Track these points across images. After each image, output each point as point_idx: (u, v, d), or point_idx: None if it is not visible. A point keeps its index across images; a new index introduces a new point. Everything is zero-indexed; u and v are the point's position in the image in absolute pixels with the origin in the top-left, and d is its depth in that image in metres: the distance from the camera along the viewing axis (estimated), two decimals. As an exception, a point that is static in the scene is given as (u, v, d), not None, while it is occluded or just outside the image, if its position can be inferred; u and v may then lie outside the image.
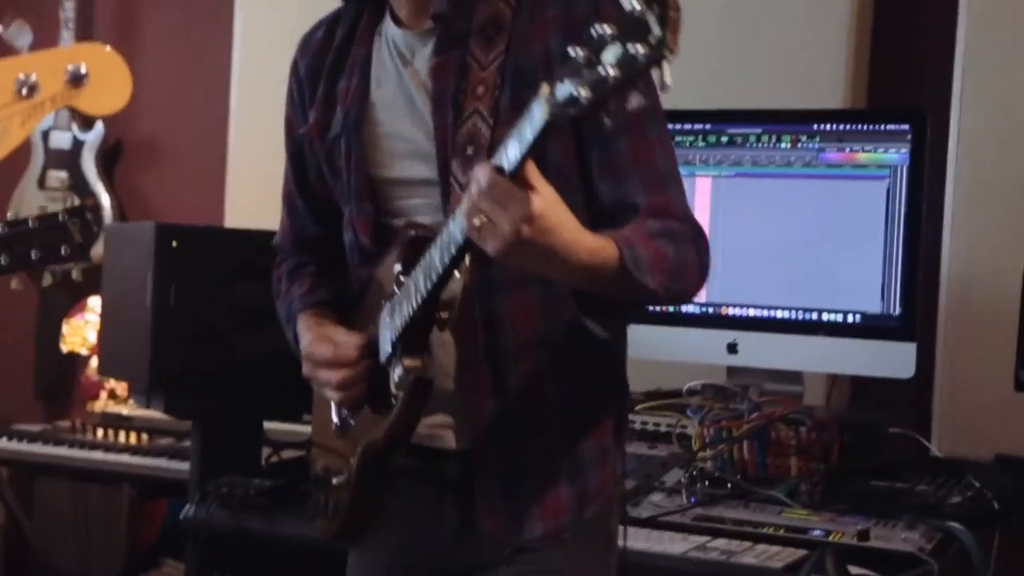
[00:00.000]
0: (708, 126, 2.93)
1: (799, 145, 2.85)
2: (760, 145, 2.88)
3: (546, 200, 1.64)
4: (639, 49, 1.43)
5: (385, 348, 1.94)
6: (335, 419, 2.08)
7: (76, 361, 4.46)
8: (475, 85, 1.89)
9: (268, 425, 3.12)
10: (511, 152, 1.60)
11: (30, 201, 4.58)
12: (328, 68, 2.08)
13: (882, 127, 2.77)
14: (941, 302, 3.07)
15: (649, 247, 1.79)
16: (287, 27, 4.04)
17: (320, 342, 2.02)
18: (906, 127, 2.75)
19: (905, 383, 2.79)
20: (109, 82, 2.09)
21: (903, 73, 3.38)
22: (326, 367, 1.99)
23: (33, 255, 2.19)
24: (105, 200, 4.51)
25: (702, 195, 2.92)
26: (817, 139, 2.83)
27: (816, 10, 3.28)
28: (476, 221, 1.63)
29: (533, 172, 1.63)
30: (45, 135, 4.57)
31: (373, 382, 1.97)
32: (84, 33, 4.58)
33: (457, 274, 1.81)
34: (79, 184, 4.53)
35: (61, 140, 4.55)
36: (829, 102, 3.17)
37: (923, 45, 3.37)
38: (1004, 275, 2.89)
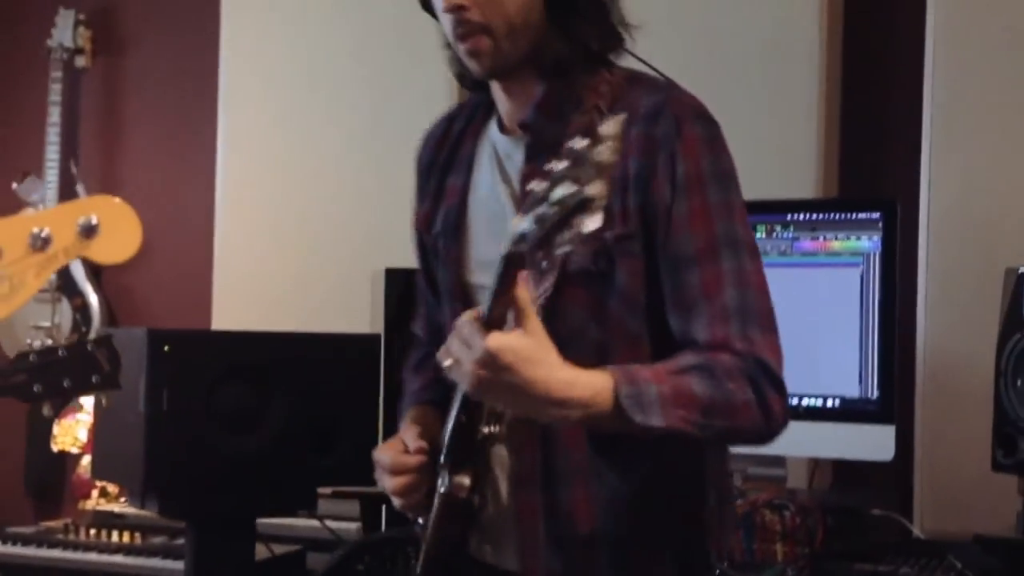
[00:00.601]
0: (685, 218, 2.99)
1: (774, 235, 2.92)
2: (735, 235, 2.94)
3: (510, 339, 1.63)
4: (574, 189, 1.46)
5: (440, 459, 1.92)
6: (420, 523, 2.04)
7: (67, 460, 4.49)
8: None
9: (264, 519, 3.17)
10: (487, 302, 1.65)
11: (19, 302, 4.63)
12: (441, 163, 2.08)
13: (854, 216, 2.84)
14: (917, 384, 3.13)
15: (668, 382, 1.73)
16: (271, 126, 4.19)
17: (388, 447, 2.00)
18: (877, 215, 2.82)
19: (886, 464, 2.84)
20: (119, 232, 2.15)
21: (872, 161, 3.46)
22: (386, 473, 1.97)
23: (66, 384, 2.23)
24: (93, 300, 4.56)
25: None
26: (791, 228, 2.90)
27: (785, 102, 3.36)
28: (447, 362, 1.68)
29: (520, 304, 1.64)
30: (33, 237, 4.61)
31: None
32: (69, 134, 4.65)
33: None
34: (68, 285, 4.57)
35: (49, 241, 4.60)
36: (801, 192, 3.25)
37: (891, 132, 3.46)
38: (977, 356, 2.95)
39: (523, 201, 1.56)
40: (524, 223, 1.53)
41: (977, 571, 2.54)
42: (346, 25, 4.09)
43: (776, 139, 3.34)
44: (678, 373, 1.75)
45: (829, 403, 2.85)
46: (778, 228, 2.92)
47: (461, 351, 1.66)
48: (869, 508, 2.80)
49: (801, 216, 2.90)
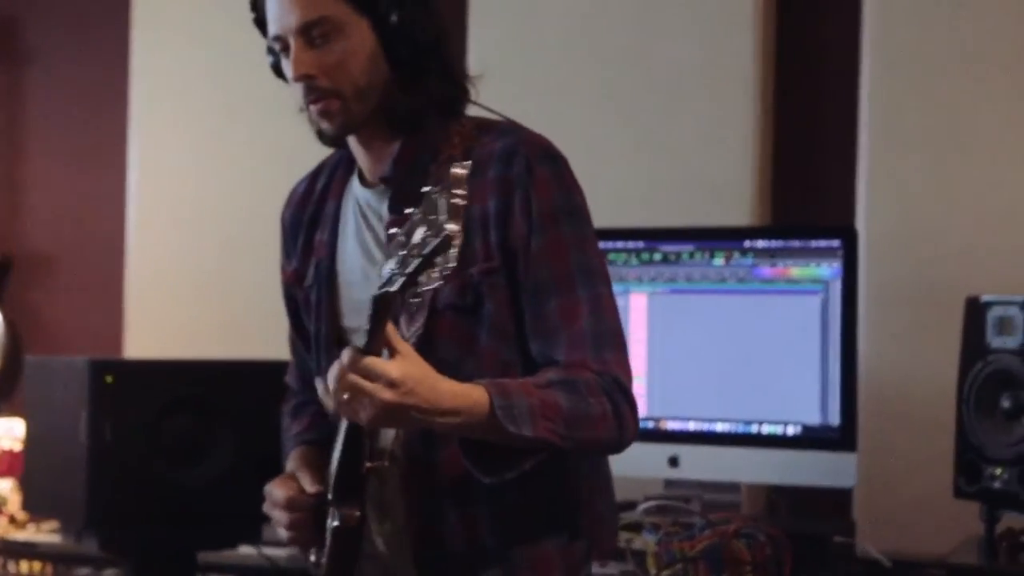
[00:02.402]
0: (642, 244, 2.98)
1: (732, 262, 2.91)
2: (693, 262, 2.94)
3: (403, 363, 1.77)
4: (430, 232, 1.60)
5: (328, 496, 2.03)
6: (313, 560, 2.13)
7: (-31, 485, 4.33)
8: None
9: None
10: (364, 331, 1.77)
11: (-86, 321, 4.45)
12: (307, 219, 2.19)
13: (813, 243, 2.85)
14: (859, 410, 3.13)
15: (534, 395, 1.87)
16: (185, 145, 4.08)
17: (280, 484, 2.13)
18: (837, 243, 2.83)
19: (842, 491, 2.85)
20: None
21: (808, 187, 3.47)
22: (278, 508, 2.09)
23: None
24: (-4, 318, 4.40)
25: (637, 311, 2.97)
26: (750, 255, 2.90)
27: (719, 129, 3.36)
28: (344, 396, 1.78)
29: (392, 338, 1.78)
30: (-72, 252, 4.44)
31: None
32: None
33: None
34: (-33, 303, 4.41)
35: (-54, 258, 4.43)
36: (735, 220, 3.25)
37: (826, 158, 3.47)
38: (921, 381, 3.00)
39: (388, 247, 1.72)
40: (389, 265, 1.68)
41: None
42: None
43: (710, 167, 3.34)
44: (545, 387, 1.89)
45: (790, 430, 2.85)
46: (736, 255, 2.91)
47: (358, 383, 1.76)
48: (829, 535, 2.81)
49: (760, 243, 2.90)
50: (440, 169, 1.97)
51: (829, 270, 2.83)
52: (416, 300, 1.85)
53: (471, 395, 1.83)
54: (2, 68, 4.51)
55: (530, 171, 1.97)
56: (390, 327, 1.78)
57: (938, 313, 3.07)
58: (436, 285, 1.65)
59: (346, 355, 1.77)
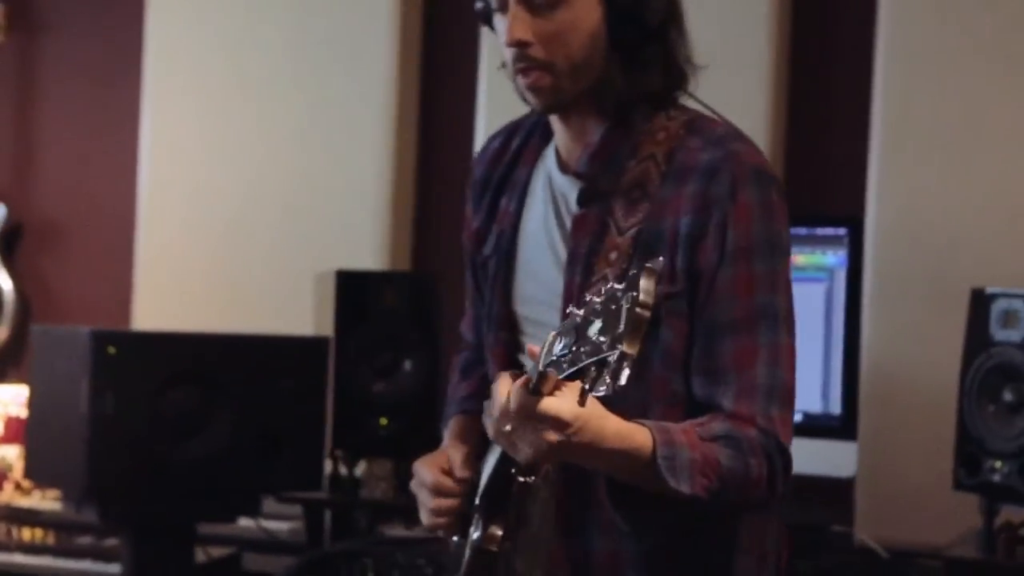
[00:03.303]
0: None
1: (737, 247, 2.90)
2: (699, 247, 2.92)
3: (571, 410, 1.63)
4: (604, 340, 1.47)
5: (475, 500, 1.91)
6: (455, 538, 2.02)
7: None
8: (609, 249, 1.84)
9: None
10: (534, 375, 1.63)
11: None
12: (496, 181, 2.03)
13: (819, 231, 2.84)
14: (860, 399, 3.13)
15: (699, 449, 1.73)
16: (198, 117, 4.08)
17: (431, 462, 1.98)
18: (843, 231, 2.82)
19: (841, 480, 2.85)
20: None
21: (818, 178, 3.46)
22: (425, 489, 1.95)
23: None
24: (6, 285, 4.41)
25: (642, 296, 2.95)
26: (755, 242, 2.88)
27: (730, 117, 3.32)
28: (506, 428, 1.67)
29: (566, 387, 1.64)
30: (-59, 219, 4.46)
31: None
32: (-21, 112, 4.49)
33: None
34: (-23, 269, 4.43)
35: (-42, 225, 4.45)
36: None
37: (837, 149, 3.46)
38: (923, 372, 2.98)
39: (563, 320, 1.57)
40: (559, 346, 1.56)
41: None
42: (279, 12, 3.99)
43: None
44: (710, 440, 1.75)
45: (791, 418, 2.84)
46: (742, 241, 2.90)
47: (525, 423, 1.65)
48: (828, 525, 2.80)
49: (766, 229, 2.88)
50: (638, 167, 1.84)
51: (834, 258, 2.82)
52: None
53: (635, 438, 1.69)
54: (17, 38, 4.51)
55: (733, 194, 1.79)
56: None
57: (943, 304, 3.05)
58: (602, 391, 1.48)
59: (516, 393, 1.63)
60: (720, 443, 1.75)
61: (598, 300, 1.50)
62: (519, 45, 1.83)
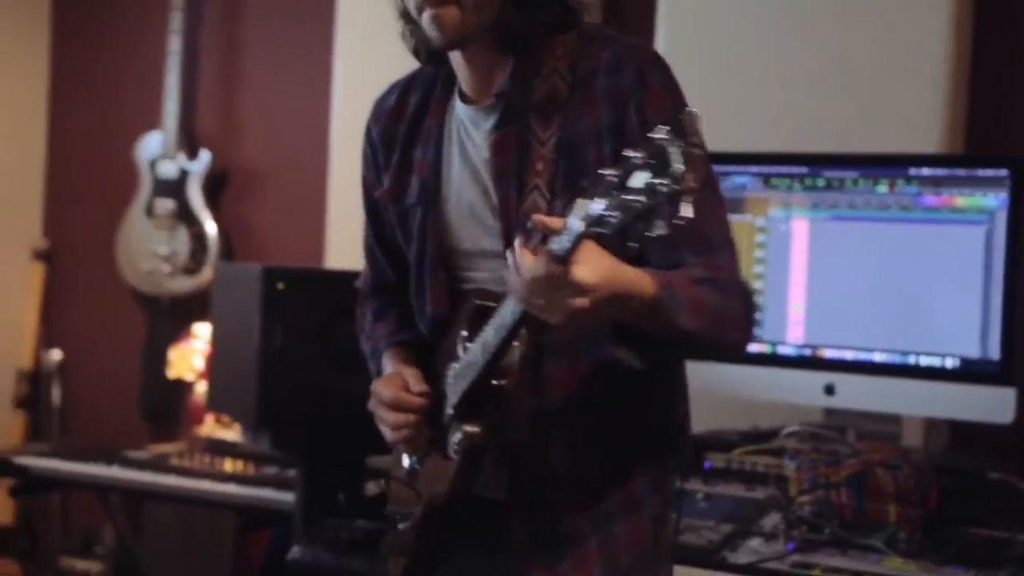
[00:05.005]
0: (805, 169, 2.94)
1: (896, 189, 2.85)
2: (857, 189, 2.89)
3: (593, 266, 1.73)
4: (662, 181, 1.54)
5: (448, 411, 2.04)
6: (405, 463, 2.19)
7: (182, 386, 4.58)
8: (535, 161, 1.98)
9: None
10: (562, 244, 1.69)
11: (139, 228, 4.71)
12: (402, 136, 2.16)
13: (980, 172, 2.77)
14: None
15: (690, 290, 1.86)
16: (387, 58, 4.15)
17: (387, 381, 2.14)
18: (1004, 172, 2.75)
19: (1005, 428, 2.78)
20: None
21: (1000, 117, 3.36)
22: (385, 407, 2.10)
23: None
24: (211, 230, 4.62)
25: (799, 238, 2.94)
26: (915, 183, 2.84)
27: (912, 54, 3.26)
28: (539, 301, 1.75)
29: (582, 251, 1.71)
30: (152, 164, 4.68)
31: (437, 436, 2.08)
32: (190, 65, 4.69)
33: (515, 343, 1.93)
34: (185, 213, 4.64)
35: (168, 169, 4.66)
36: (924, 147, 3.16)
37: (1019, 90, 3.35)
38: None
39: (593, 186, 1.62)
40: (598, 207, 1.61)
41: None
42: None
43: (901, 92, 3.25)
44: (696, 282, 1.88)
45: (948, 363, 2.80)
46: (900, 182, 2.85)
47: (554, 292, 1.73)
48: (986, 472, 2.75)
49: (925, 171, 2.83)
50: (546, 84, 1.98)
51: (995, 200, 2.75)
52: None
53: (642, 282, 1.81)
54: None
55: (642, 80, 1.94)
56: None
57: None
58: (659, 231, 1.56)
59: (542, 263, 1.72)
60: (704, 284, 1.88)
61: (637, 155, 1.57)
62: None
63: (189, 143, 4.69)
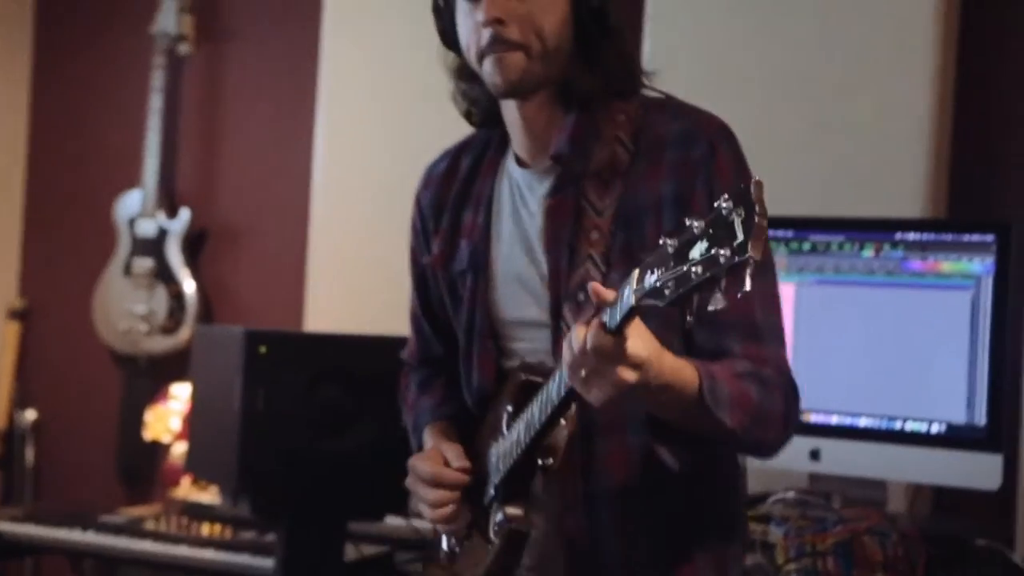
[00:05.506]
0: (791, 233, 2.94)
1: (882, 254, 2.85)
2: (843, 253, 2.89)
3: (643, 342, 1.66)
4: (723, 252, 1.46)
5: (489, 490, 1.97)
6: (444, 544, 2.12)
7: (158, 447, 4.52)
8: (589, 230, 1.90)
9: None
10: (614, 316, 1.63)
11: (117, 287, 4.67)
12: (453, 199, 2.10)
13: (966, 237, 2.77)
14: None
15: (733, 385, 1.80)
16: (371, 122, 4.17)
17: (427, 458, 2.05)
18: (991, 238, 2.75)
19: (990, 493, 2.77)
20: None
21: (983, 180, 3.37)
22: (424, 484, 2.02)
23: None
24: (189, 288, 4.58)
25: (785, 302, 2.90)
26: (901, 248, 2.83)
27: (896, 116, 3.27)
28: (583, 373, 1.67)
29: (632, 325, 1.65)
30: (131, 222, 4.65)
31: (478, 516, 2.01)
32: (170, 121, 4.67)
33: (563, 421, 1.85)
34: (164, 272, 4.61)
35: (147, 228, 4.63)
36: (909, 210, 3.17)
37: (1004, 151, 3.36)
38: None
39: (650, 256, 1.56)
40: (652, 278, 1.54)
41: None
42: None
43: (885, 155, 3.26)
44: (740, 377, 1.82)
45: (934, 428, 2.78)
46: (887, 247, 2.85)
47: (603, 364, 1.66)
48: (973, 539, 2.73)
49: (911, 236, 2.83)
50: (605, 150, 1.91)
51: (981, 266, 2.75)
52: (583, 292, 1.80)
53: (685, 372, 1.75)
54: (203, 45, 4.69)
55: (713, 154, 1.88)
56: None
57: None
58: (719, 305, 1.50)
59: (594, 335, 1.65)
60: (748, 379, 1.82)
61: (697, 225, 1.50)
62: (495, 24, 1.89)
63: (169, 201, 4.67)
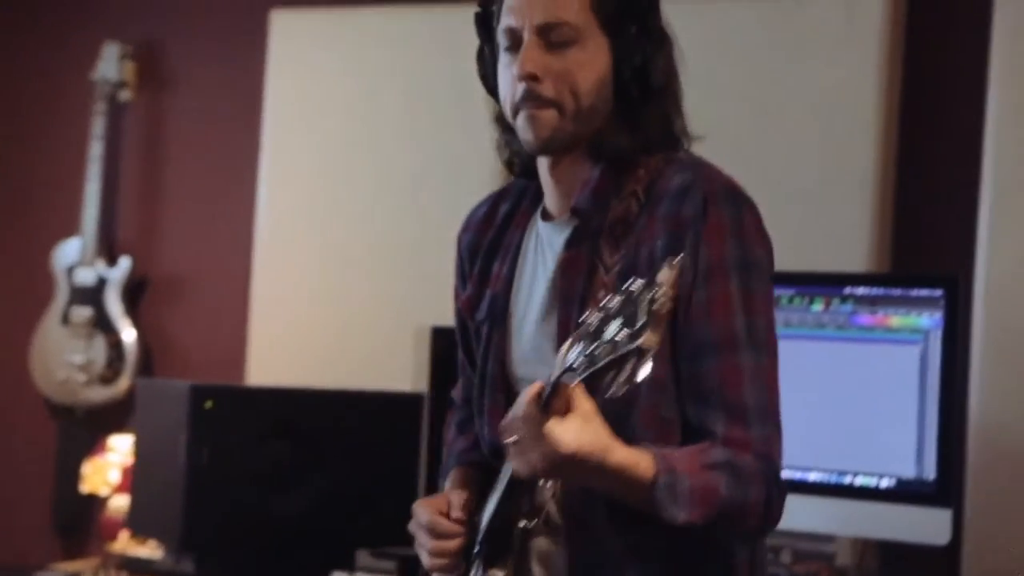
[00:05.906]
0: (740, 287, 2.94)
1: (831, 308, 2.86)
2: (792, 307, 2.90)
3: (580, 430, 1.64)
4: (622, 335, 1.46)
5: (475, 548, 1.92)
6: None
7: (95, 500, 4.45)
8: (598, 288, 1.83)
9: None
10: (546, 389, 1.63)
11: (54, 336, 4.61)
12: (487, 246, 2.05)
13: (914, 292, 2.79)
14: (969, 465, 3.05)
15: (699, 478, 1.73)
16: (314, 173, 4.16)
17: (430, 504, 2.00)
18: (939, 292, 2.76)
19: (939, 548, 2.78)
20: None
21: (927, 234, 3.40)
22: (423, 529, 1.97)
23: None
24: (128, 338, 4.53)
25: (734, 356, 2.93)
26: (850, 302, 2.85)
27: (839, 171, 3.31)
28: (513, 439, 1.68)
29: (575, 398, 1.64)
30: (70, 271, 4.59)
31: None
32: (110, 169, 4.62)
33: (545, 483, 1.82)
34: (103, 321, 4.54)
35: (86, 276, 4.57)
36: (853, 264, 3.19)
37: (946, 205, 3.40)
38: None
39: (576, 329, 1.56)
40: (573, 354, 1.54)
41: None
42: (398, 75, 4.04)
43: (829, 210, 3.29)
44: (709, 468, 1.75)
45: (884, 483, 2.79)
46: (835, 301, 2.86)
47: (527, 440, 1.66)
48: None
49: (860, 290, 2.85)
50: (620, 205, 1.86)
51: (930, 320, 2.76)
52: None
53: (639, 465, 1.70)
54: (145, 92, 4.65)
55: (705, 213, 1.79)
56: (576, 388, 1.65)
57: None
58: (620, 393, 1.50)
59: (527, 404, 1.65)
60: (719, 471, 1.75)
61: (615, 301, 1.49)
62: (530, 79, 1.84)
63: (108, 250, 4.61)
